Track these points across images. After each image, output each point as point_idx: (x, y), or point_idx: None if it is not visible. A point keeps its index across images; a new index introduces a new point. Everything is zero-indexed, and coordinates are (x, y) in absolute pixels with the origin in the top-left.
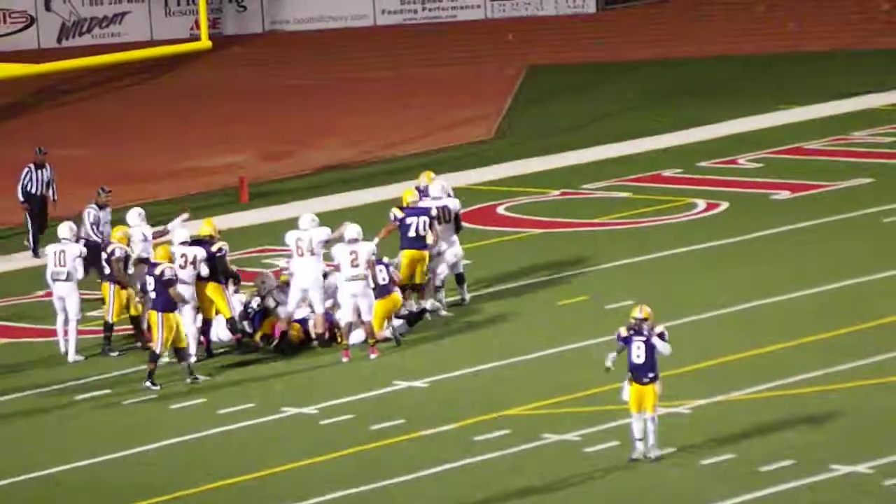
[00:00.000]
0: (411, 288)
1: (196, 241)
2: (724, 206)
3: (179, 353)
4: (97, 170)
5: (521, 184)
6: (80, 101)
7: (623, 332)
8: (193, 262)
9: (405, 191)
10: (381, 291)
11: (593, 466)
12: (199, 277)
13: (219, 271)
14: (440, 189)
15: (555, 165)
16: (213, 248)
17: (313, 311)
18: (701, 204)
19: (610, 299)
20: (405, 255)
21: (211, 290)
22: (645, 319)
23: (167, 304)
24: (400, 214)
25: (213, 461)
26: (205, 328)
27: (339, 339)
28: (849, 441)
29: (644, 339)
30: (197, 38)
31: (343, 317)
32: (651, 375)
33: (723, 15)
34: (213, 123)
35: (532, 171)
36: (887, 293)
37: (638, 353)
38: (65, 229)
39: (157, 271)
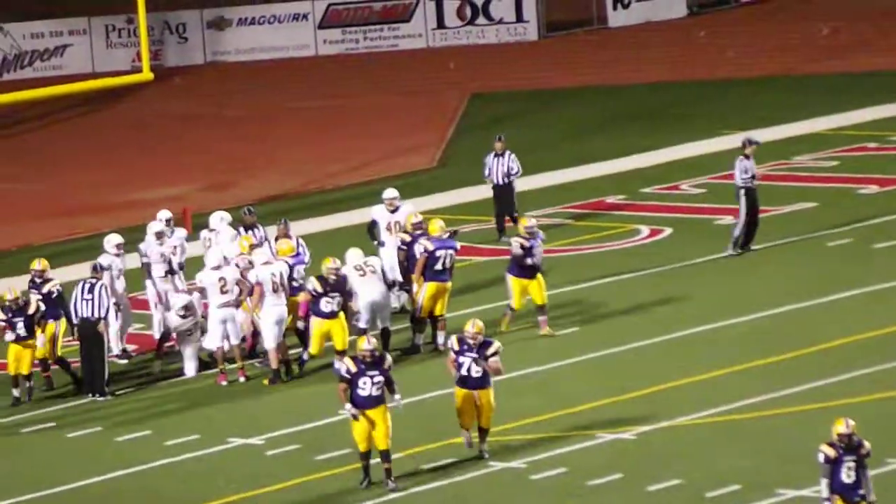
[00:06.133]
0: (431, 321)
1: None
2: (668, 231)
3: (381, 454)
4: (39, 203)
5: (463, 212)
6: (21, 135)
7: (831, 453)
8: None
9: (431, 223)
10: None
11: (539, 494)
12: None
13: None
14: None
15: None
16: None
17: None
18: (644, 230)
19: (553, 326)
20: (429, 288)
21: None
22: (853, 434)
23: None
24: (430, 247)
25: (159, 493)
26: None
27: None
28: (794, 466)
29: (855, 457)
30: (139, 70)
31: (211, 343)
32: (861, 493)
33: (664, 41)
34: (156, 155)
35: (475, 199)
36: (831, 318)
37: (849, 473)
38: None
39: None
